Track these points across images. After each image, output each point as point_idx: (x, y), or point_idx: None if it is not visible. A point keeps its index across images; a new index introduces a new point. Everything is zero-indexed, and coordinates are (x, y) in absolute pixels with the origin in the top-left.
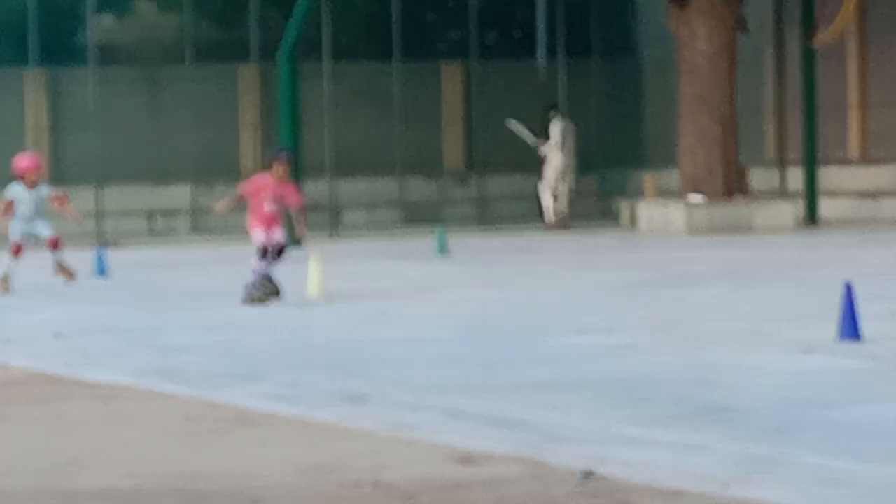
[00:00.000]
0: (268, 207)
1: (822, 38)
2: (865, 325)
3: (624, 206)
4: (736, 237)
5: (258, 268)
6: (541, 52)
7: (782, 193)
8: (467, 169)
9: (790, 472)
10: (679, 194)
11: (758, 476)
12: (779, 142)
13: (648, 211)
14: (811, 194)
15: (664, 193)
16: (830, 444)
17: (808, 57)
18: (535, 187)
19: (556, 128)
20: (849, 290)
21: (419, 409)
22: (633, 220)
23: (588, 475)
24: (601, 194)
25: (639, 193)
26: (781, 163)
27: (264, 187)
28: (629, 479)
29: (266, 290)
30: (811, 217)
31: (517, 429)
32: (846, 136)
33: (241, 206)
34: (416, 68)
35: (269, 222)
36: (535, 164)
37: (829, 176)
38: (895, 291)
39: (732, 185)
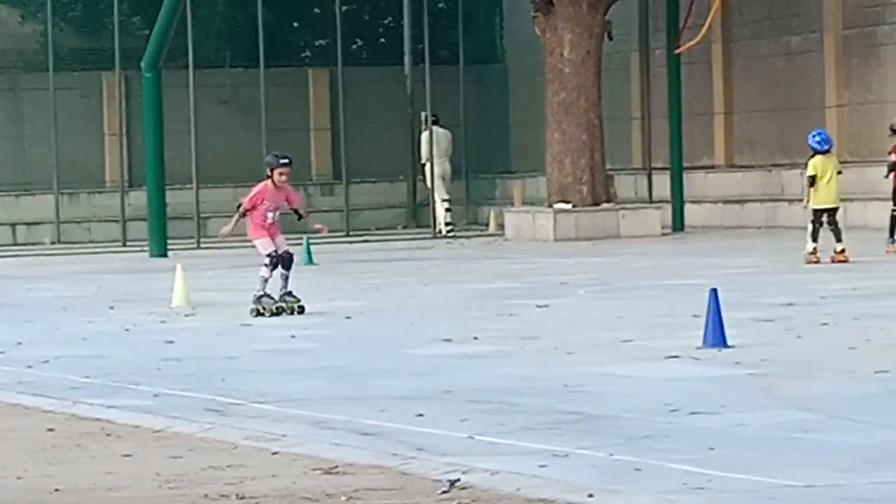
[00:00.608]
0: (270, 216)
1: (687, 45)
2: (731, 332)
3: (491, 214)
4: (603, 244)
5: (267, 276)
6: (407, 59)
7: (649, 200)
8: (335, 177)
9: (654, 480)
10: (546, 202)
11: (622, 484)
12: (645, 148)
13: (515, 219)
14: (677, 201)
15: (531, 201)
16: (695, 451)
17: (674, 64)
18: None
19: (426, 137)
20: (714, 296)
21: (283, 420)
22: (500, 227)
23: (453, 485)
24: (468, 202)
25: (506, 201)
26: (648, 169)
27: (265, 197)
28: (494, 488)
29: (284, 303)
30: (678, 223)
31: (382, 439)
32: (712, 143)
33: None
34: (282, 74)
35: (271, 231)
36: (403, 172)
37: (695, 182)
38: (760, 298)
39: (599, 192)
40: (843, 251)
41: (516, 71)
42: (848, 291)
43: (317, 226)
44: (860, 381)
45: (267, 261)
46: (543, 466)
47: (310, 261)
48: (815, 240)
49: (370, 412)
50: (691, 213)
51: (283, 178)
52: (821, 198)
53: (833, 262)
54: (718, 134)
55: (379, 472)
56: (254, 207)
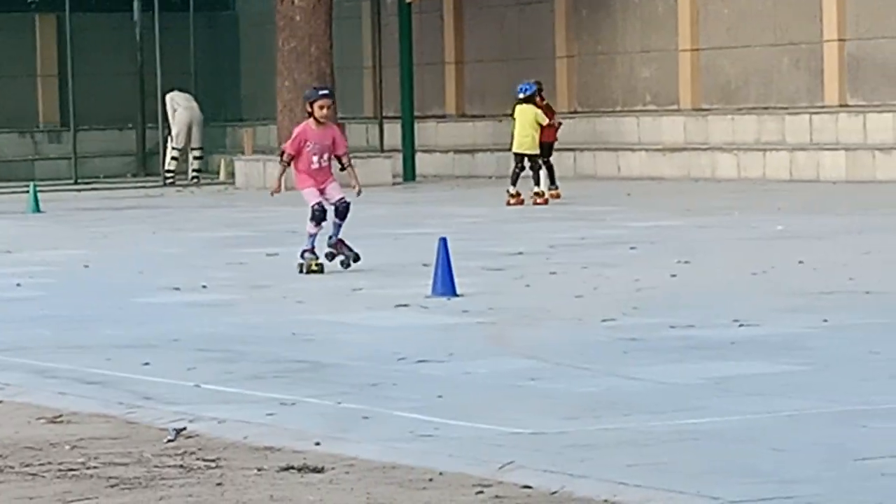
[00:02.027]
0: (316, 160)
1: None
2: (460, 281)
3: (222, 163)
4: None
5: (312, 231)
6: (136, 5)
7: (380, 149)
8: (62, 124)
9: (382, 428)
10: (277, 150)
11: (350, 432)
12: (377, 98)
13: (246, 167)
14: (409, 150)
15: (262, 150)
16: (422, 399)
17: (405, 13)
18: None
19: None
20: (443, 245)
21: (6, 368)
22: (231, 176)
23: (179, 433)
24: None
25: (237, 150)
26: (379, 119)
27: (307, 137)
28: (221, 436)
29: (347, 256)
30: (409, 173)
31: (108, 388)
32: (443, 93)
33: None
34: (8, 20)
35: (319, 178)
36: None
37: (427, 132)
38: (490, 247)
39: None
40: (539, 194)
41: (247, 18)
42: (576, 240)
43: (355, 183)
44: (587, 329)
45: (310, 212)
46: (271, 415)
47: (37, 209)
48: (513, 183)
49: (96, 361)
50: (423, 162)
51: (325, 111)
52: (515, 144)
53: (534, 203)
54: (450, 84)
55: (104, 421)
56: (298, 153)
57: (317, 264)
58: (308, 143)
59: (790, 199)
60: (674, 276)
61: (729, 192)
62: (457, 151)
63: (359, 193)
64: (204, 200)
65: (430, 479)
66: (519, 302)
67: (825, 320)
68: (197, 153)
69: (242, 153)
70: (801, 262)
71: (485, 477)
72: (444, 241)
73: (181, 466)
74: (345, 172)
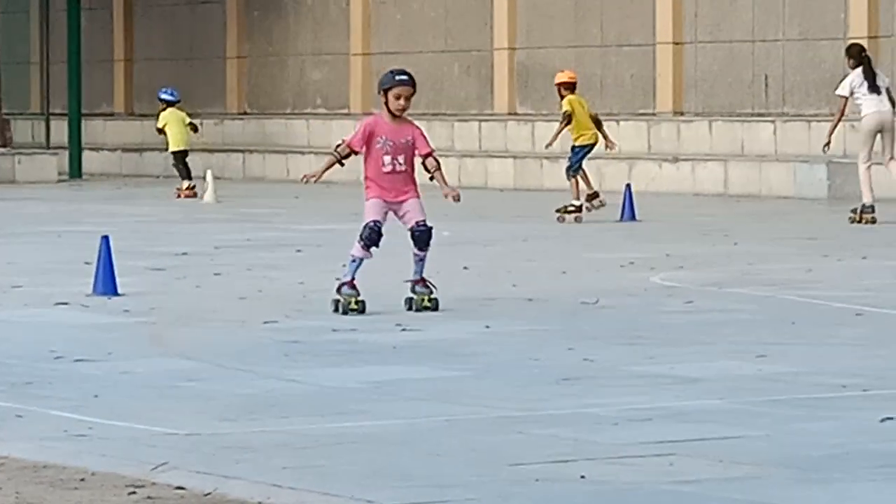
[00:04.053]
0: (388, 161)
1: None
2: (122, 280)
3: None
4: None
5: (358, 256)
6: None
7: (46, 146)
8: None
9: (35, 427)
10: None
11: (2, 431)
12: (43, 94)
13: None
14: (75, 147)
15: None
16: (78, 398)
17: (74, 9)
18: None
19: None
20: (105, 244)
21: None
22: None
23: None
24: None
25: None
26: (46, 115)
27: (376, 131)
28: None
29: (414, 294)
30: (75, 170)
31: None
32: (112, 90)
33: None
34: None
35: (391, 188)
36: None
37: (95, 129)
38: (154, 247)
39: None
40: (190, 187)
41: None
42: (242, 242)
43: (447, 190)
44: (249, 331)
45: (361, 233)
46: None
47: None
48: (182, 177)
49: None
50: (90, 160)
51: (402, 102)
52: (173, 143)
53: (179, 196)
54: (118, 81)
55: None
56: (366, 151)
57: (357, 302)
58: (378, 138)
59: (458, 205)
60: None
61: None
62: (124, 150)
63: (457, 199)
64: None
65: (82, 479)
66: (181, 302)
67: (487, 326)
68: None
69: None
70: (465, 268)
71: (138, 477)
72: (106, 239)
73: None
74: (434, 181)
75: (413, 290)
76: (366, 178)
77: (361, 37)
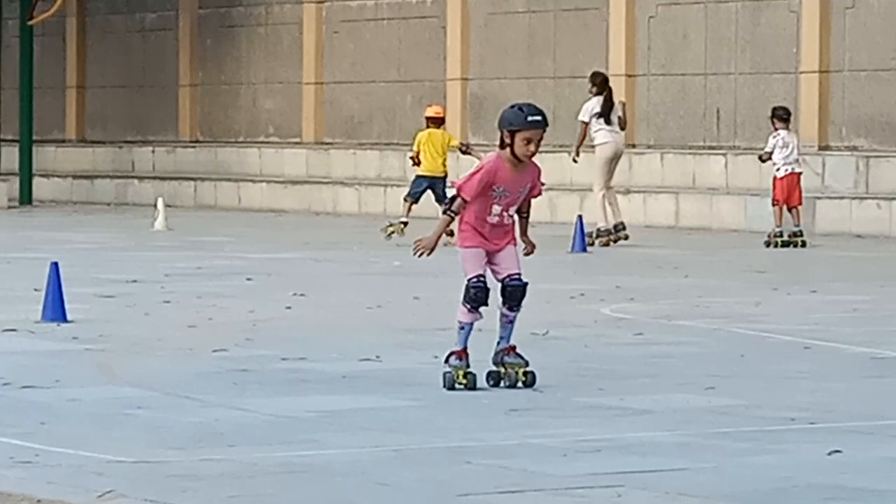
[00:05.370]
0: (497, 212)
1: (41, 17)
2: (72, 307)
3: None
4: None
5: (466, 321)
6: None
7: None
8: None
9: None
10: None
11: None
12: None
13: None
14: (26, 174)
15: None
16: (25, 425)
17: (26, 35)
18: None
19: None
20: (55, 270)
21: None
22: None
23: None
24: None
25: None
26: None
27: (496, 180)
28: None
29: (503, 367)
30: (25, 197)
31: None
32: (64, 117)
33: None
34: None
35: (493, 237)
36: None
37: (46, 156)
38: (104, 274)
39: None
40: None
41: None
42: (192, 270)
43: (525, 243)
44: (197, 360)
45: (464, 293)
46: None
47: None
48: None
49: None
50: (41, 186)
51: (532, 148)
52: None
53: None
54: (71, 108)
55: None
56: (481, 193)
57: (465, 375)
58: (496, 188)
59: (409, 237)
60: (289, 308)
61: (350, 227)
62: (76, 177)
63: (528, 253)
64: None
65: None
66: (130, 330)
67: (436, 356)
68: None
69: None
70: (416, 298)
71: None
72: (55, 265)
73: None
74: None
75: (500, 362)
76: (466, 222)
77: (315, 66)
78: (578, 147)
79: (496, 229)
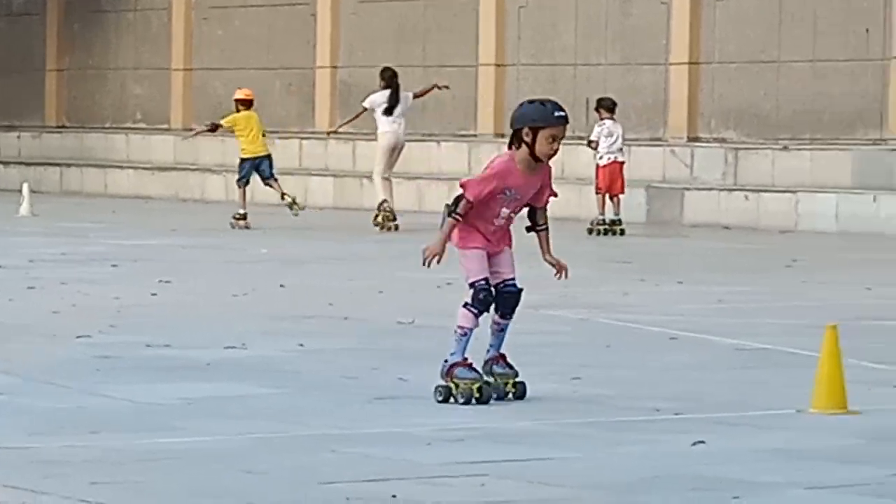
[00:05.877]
0: (504, 215)
1: None
2: None
3: None
4: None
5: (468, 326)
6: None
7: None
8: None
9: None
10: None
11: None
12: None
13: None
14: None
15: None
16: None
17: None
18: None
19: None
20: None
21: None
22: None
23: None
24: None
25: None
26: None
27: (508, 183)
28: None
29: (491, 377)
30: None
31: None
32: None
33: None
34: None
35: (494, 240)
36: None
37: None
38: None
39: None
40: None
41: None
42: (58, 256)
43: (552, 260)
44: (61, 345)
45: (471, 295)
46: None
47: None
48: None
49: None
50: None
51: (556, 146)
52: None
53: None
54: None
55: None
56: (488, 196)
57: (480, 388)
58: (506, 192)
59: (278, 223)
60: (154, 294)
61: (217, 214)
62: None
63: (562, 276)
64: None
65: None
66: None
67: (301, 344)
68: None
69: None
70: (282, 285)
71: None
72: None
73: None
74: (547, 259)
75: (490, 371)
76: (470, 224)
77: (183, 52)
78: (346, 123)
79: (499, 232)
